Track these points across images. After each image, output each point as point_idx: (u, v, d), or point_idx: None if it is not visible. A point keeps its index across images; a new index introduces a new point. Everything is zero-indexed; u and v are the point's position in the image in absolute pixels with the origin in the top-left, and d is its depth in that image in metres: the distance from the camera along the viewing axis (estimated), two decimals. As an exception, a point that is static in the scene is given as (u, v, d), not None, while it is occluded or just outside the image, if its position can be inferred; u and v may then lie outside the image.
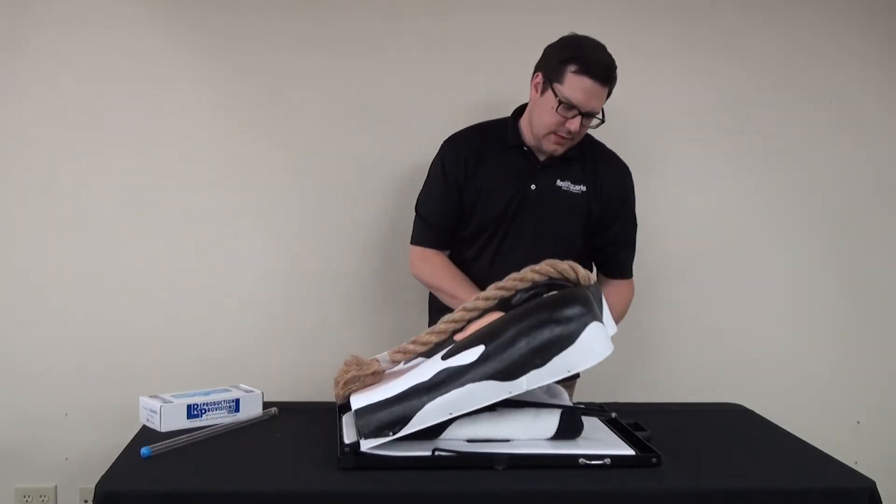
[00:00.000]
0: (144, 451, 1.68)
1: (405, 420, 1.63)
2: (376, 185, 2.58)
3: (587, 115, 2.01)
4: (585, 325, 1.64)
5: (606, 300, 2.17)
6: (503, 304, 1.83)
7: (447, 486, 1.58)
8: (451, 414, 1.64)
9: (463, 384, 1.63)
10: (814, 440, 1.93)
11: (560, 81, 2.00)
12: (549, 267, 1.80)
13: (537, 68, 2.09)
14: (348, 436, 1.76)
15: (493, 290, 1.82)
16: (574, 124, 2.00)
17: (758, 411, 2.19)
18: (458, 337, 1.79)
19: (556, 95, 2.00)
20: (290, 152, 2.57)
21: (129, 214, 2.53)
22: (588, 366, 1.65)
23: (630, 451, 1.71)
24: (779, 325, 2.72)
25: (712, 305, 2.70)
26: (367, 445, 1.64)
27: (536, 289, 1.82)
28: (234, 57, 2.53)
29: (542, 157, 2.15)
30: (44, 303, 2.53)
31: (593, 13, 2.59)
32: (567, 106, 1.99)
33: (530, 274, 1.81)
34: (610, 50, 2.55)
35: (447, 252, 2.22)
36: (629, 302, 2.23)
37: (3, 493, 2.56)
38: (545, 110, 2.04)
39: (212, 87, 2.53)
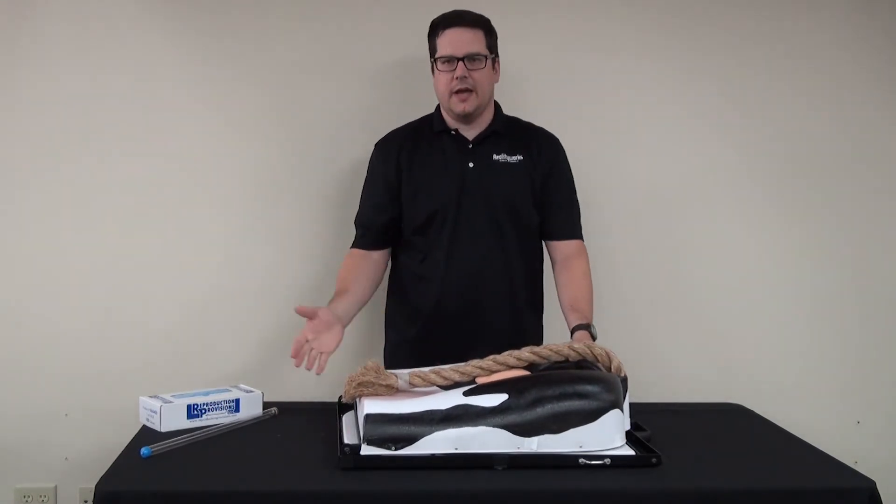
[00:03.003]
0: (144, 451, 1.69)
1: (411, 440, 1.66)
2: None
3: (469, 60, 2.11)
4: (609, 408, 1.70)
5: (581, 275, 2.21)
6: (530, 366, 1.87)
7: (447, 486, 1.59)
8: (456, 449, 1.66)
9: (477, 424, 1.67)
10: (814, 440, 1.93)
11: (436, 50, 2.16)
12: (586, 348, 1.86)
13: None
14: (348, 436, 1.77)
15: (528, 354, 1.85)
16: (460, 70, 2.11)
17: (758, 411, 2.19)
18: (481, 380, 1.81)
19: (436, 63, 2.16)
20: (290, 153, 2.57)
21: (129, 215, 2.53)
22: (599, 448, 1.69)
23: (630, 451, 1.72)
24: (779, 324, 2.72)
25: (712, 306, 2.70)
26: (367, 451, 1.65)
27: (567, 363, 1.88)
28: (236, 56, 2.53)
29: (470, 136, 2.21)
30: (43, 303, 2.52)
31: (591, 10, 2.59)
32: (444, 60, 2.13)
33: (567, 350, 1.86)
34: (612, 48, 2.60)
35: (383, 251, 2.27)
36: (588, 266, 2.26)
37: (3, 493, 2.56)
38: (436, 80, 2.18)
39: (215, 85, 2.53)
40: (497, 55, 2.21)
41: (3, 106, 2.49)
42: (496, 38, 2.20)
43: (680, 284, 2.69)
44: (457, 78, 2.11)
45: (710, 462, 1.77)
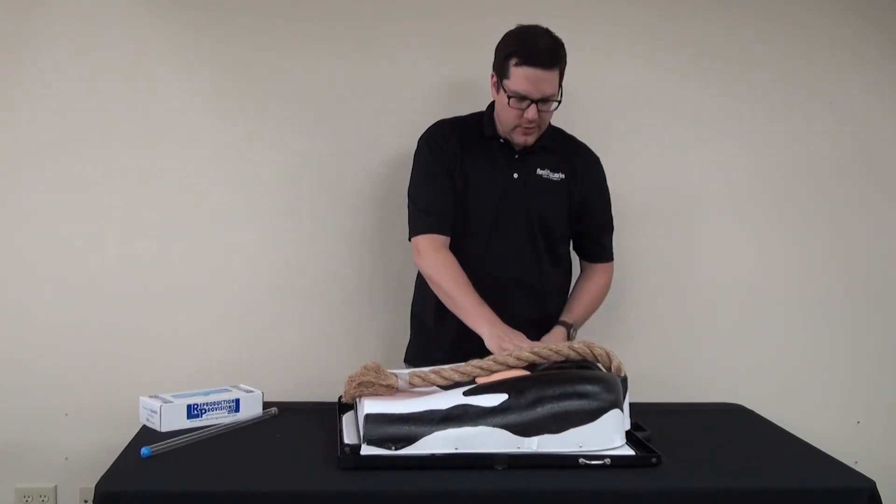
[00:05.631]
0: (144, 451, 1.69)
1: (411, 440, 1.66)
2: (378, 185, 2.57)
3: (542, 102, 2.06)
4: (609, 408, 1.70)
5: (592, 287, 2.28)
6: (530, 366, 1.88)
7: (447, 486, 1.59)
8: (456, 449, 1.66)
9: (477, 424, 1.67)
10: (814, 440, 1.93)
11: (507, 76, 2.06)
12: (586, 348, 1.86)
13: (493, 68, 2.14)
14: (348, 436, 1.77)
15: (528, 354, 1.85)
16: (531, 113, 2.06)
17: (758, 411, 2.19)
18: (481, 380, 1.81)
19: (506, 91, 2.07)
20: (291, 153, 2.56)
21: (130, 214, 2.53)
22: (598, 448, 1.69)
23: (630, 451, 1.72)
24: (779, 324, 2.72)
25: (712, 306, 2.69)
26: (367, 451, 1.66)
27: (567, 363, 1.88)
28: (235, 56, 2.52)
29: (517, 147, 2.19)
30: (44, 303, 2.52)
31: (592, 10, 2.59)
32: (518, 98, 2.06)
33: (567, 349, 1.86)
34: (610, 49, 2.60)
35: (449, 239, 2.19)
36: (608, 286, 2.32)
37: (3, 493, 2.56)
38: (503, 107, 2.11)
39: (214, 86, 2.53)
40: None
41: (7, 107, 2.48)
42: (566, 64, 2.11)
43: (680, 285, 2.69)
44: (527, 118, 2.07)
45: (710, 462, 1.77)
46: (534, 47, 2.04)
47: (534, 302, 2.22)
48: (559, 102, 2.10)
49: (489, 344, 1.96)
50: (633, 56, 2.62)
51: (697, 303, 2.69)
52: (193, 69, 2.52)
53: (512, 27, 2.14)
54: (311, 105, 2.56)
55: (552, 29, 2.11)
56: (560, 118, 2.26)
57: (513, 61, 2.05)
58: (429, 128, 2.25)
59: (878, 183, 2.72)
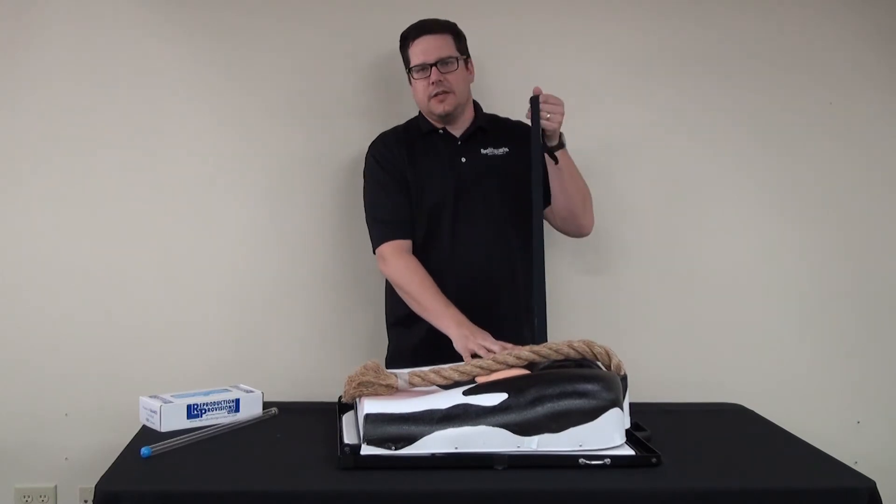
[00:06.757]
0: (144, 451, 1.69)
1: (411, 440, 1.66)
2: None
3: (441, 63, 2.22)
4: (609, 407, 1.70)
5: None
6: (530, 365, 1.88)
7: (447, 486, 1.59)
8: (456, 448, 1.66)
9: (477, 424, 1.67)
10: (814, 440, 1.93)
11: (409, 60, 2.27)
12: (586, 346, 1.87)
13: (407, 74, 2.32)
14: (348, 436, 1.77)
15: (528, 353, 1.86)
16: (434, 75, 2.22)
17: (758, 411, 2.19)
18: (480, 379, 1.82)
19: (412, 73, 2.26)
20: (291, 153, 2.57)
21: (129, 215, 2.53)
22: (598, 447, 1.69)
23: (630, 451, 1.72)
24: (779, 324, 2.72)
25: (712, 305, 2.70)
26: (367, 451, 1.66)
27: (567, 362, 1.88)
28: (232, 60, 2.53)
29: (457, 133, 2.30)
30: (44, 303, 2.52)
31: (591, 15, 2.60)
32: (419, 68, 2.23)
33: (567, 349, 1.86)
34: (608, 49, 2.62)
35: (411, 242, 2.26)
36: None
37: (3, 493, 2.56)
38: (414, 88, 2.28)
39: (214, 88, 2.53)
40: (468, 56, 2.29)
41: (9, 105, 2.49)
42: (465, 39, 2.29)
43: (680, 284, 2.69)
44: (433, 83, 2.21)
45: (710, 462, 1.77)
46: (419, 23, 2.27)
47: (509, 280, 2.26)
48: (461, 60, 2.24)
49: (457, 344, 2.03)
50: (635, 57, 2.63)
51: (697, 302, 2.69)
52: (192, 70, 2.53)
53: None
54: (311, 107, 2.57)
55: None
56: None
57: (408, 44, 2.26)
58: (373, 141, 2.35)
59: (878, 183, 2.71)
